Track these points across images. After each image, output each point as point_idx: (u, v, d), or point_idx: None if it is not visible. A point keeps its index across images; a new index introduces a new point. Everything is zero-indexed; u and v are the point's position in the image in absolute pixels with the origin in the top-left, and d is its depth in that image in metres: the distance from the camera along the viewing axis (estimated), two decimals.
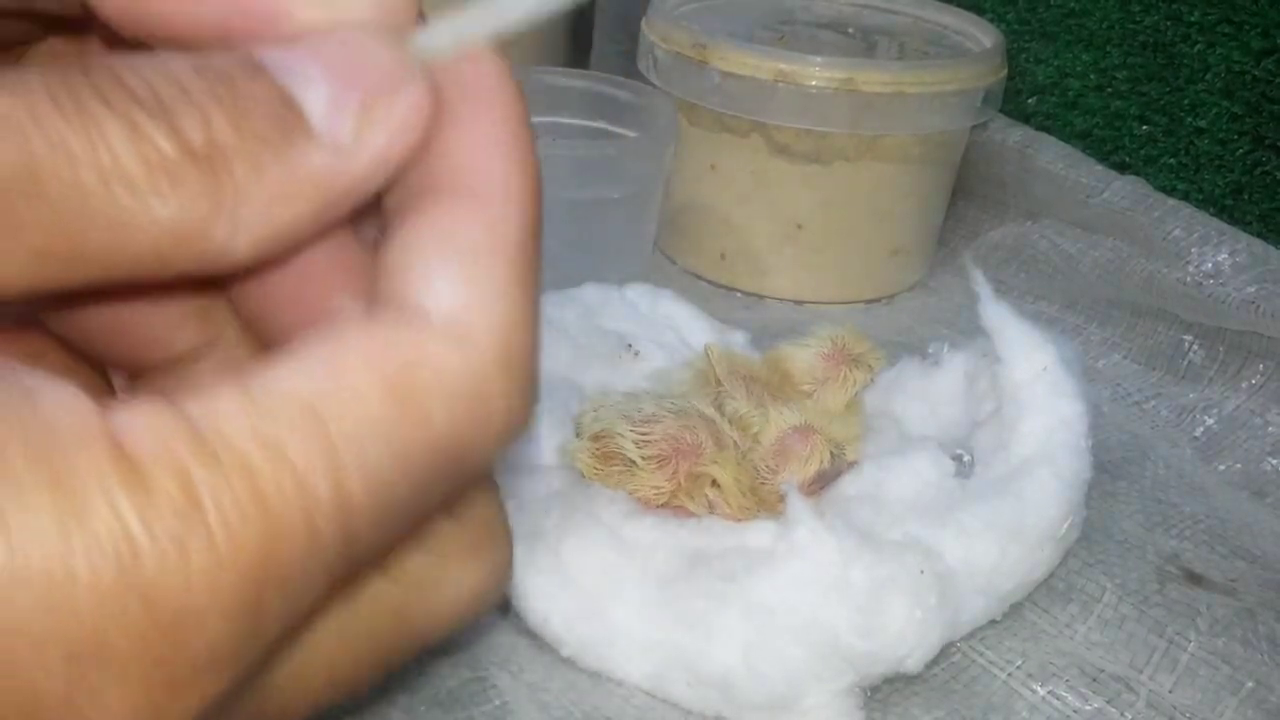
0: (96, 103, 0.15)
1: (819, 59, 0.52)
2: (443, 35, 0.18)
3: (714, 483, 0.37)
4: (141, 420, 0.15)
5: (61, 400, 0.14)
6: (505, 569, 0.20)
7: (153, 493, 0.14)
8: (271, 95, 0.16)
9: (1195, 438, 0.49)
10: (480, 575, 0.19)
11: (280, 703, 0.17)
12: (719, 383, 0.41)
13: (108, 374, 0.23)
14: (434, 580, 0.18)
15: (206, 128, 0.16)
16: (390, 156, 0.17)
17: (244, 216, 0.16)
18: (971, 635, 0.37)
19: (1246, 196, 0.56)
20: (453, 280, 0.17)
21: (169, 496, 0.14)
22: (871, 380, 0.43)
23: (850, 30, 0.62)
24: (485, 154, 0.18)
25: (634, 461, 0.37)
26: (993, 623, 0.38)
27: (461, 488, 0.18)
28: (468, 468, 0.17)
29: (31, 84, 0.15)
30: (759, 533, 0.35)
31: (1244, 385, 0.50)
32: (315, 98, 0.16)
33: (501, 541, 0.19)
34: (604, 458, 0.37)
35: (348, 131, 0.17)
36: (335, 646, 0.18)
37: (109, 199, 0.15)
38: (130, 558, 0.14)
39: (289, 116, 0.16)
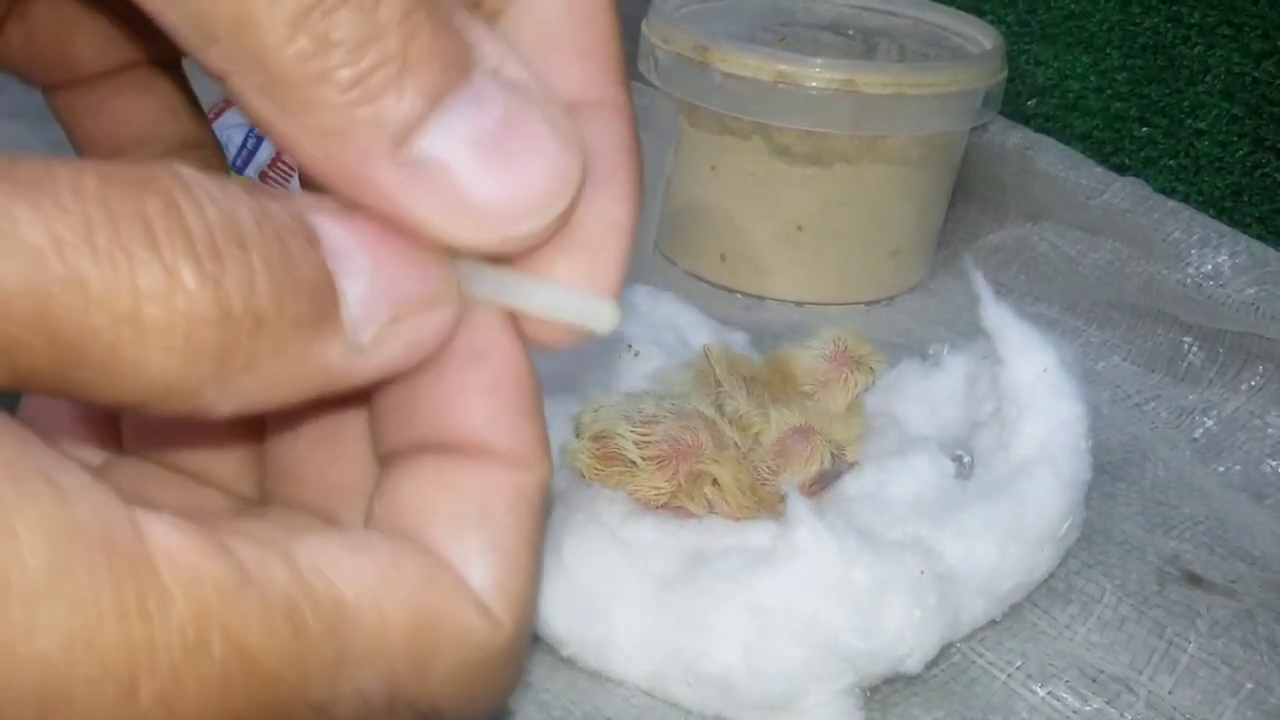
0: (139, 244, 0.14)
1: (819, 60, 0.52)
2: (486, 281, 0.18)
3: (714, 482, 0.37)
4: (177, 542, 0.14)
5: (93, 502, 0.14)
6: None
7: (168, 618, 0.14)
8: (319, 276, 0.16)
9: (1195, 439, 0.49)
10: None
11: None
12: (719, 383, 0.41)
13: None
14: None
15: (250, 294, 0.15)
16: (397, 369, 0.17)
17: (240, 386, 0.15)
18: (971, 636, 0.38)
19: (1246, 198, 0.56)
20: (487, 557, 0.17)
21: (181, 631, 0.14)
22: (873, 382, 0.43)
23: (851, 32, 0.62)
24: (514, 416, 0.18)
25: (634, 462, 0.37)
26: (993, 623, 0.38)
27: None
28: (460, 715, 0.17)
29: (66, 199, 0.14)
30: (759, 533, 0.35)
31: (1243, 387, 0.50)
32: (355, 289, 0.16)
33: None
34: (604, 458, 0.37)
35: (370, 335, 0.16)
36: None
37: (111, 344, 0.14)
38: (129, 680, 0.13)
39: (327, 303, 0.16)
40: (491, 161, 0.16)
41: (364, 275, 0.16)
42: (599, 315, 0.18)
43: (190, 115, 0.29)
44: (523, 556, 0.17)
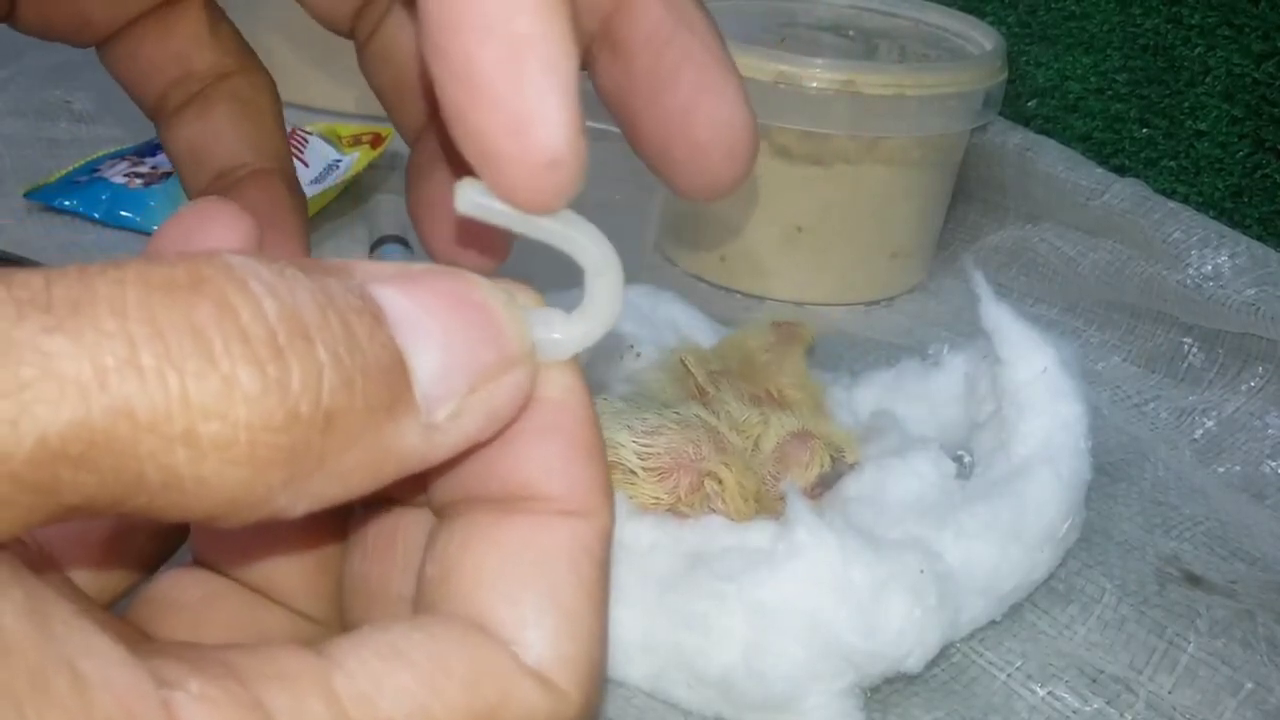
0: (190, 356, 0.13)
1: (820, 61, 0.52)
2: (553, 326, 0.17)
3: (718, 481, 0.37)
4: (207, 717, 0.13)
5: (118, 693, 0.13)
6: None
7: None
8: (389, 356, 0.14)
9: (1195, 440, 0.49)
10: None
11: None
12: (701, 390, 0.41)
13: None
14: None
15: (319, 391, 0.13)
16: (477, 441, 0.16)
17: (313, 485, 0.14)
18: (971, 636, 0.38)
19: (1246, 199, 0.56)
20: (545, 621, 0.16)
21: None
22: (812, 341, 0.46)
23: (851, 33, 0.62)
24: (570, 459, 0.17)
25: (634, 471, 0.37)
26: (993, 623, 0.38)
27: None
28: None
29: (106, 322, 0.13)
30: (759, 533, 0.35)
31: (1243, 388, 0.50)
32: (427, 363, 0.15)
33: None
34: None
35: (448, 411, 0.15)
36: None
37: (168, 467, 0.13)
38: None
39: (399, 385, 0.14)
40: None
41: (436, 347, 0.15)
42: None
43: (223, 43, 0.28)
44: (586, 615, 0.16)
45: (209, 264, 0.14)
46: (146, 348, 0.13)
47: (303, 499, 0.14)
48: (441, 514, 0.17)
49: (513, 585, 0.16)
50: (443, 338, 0.15)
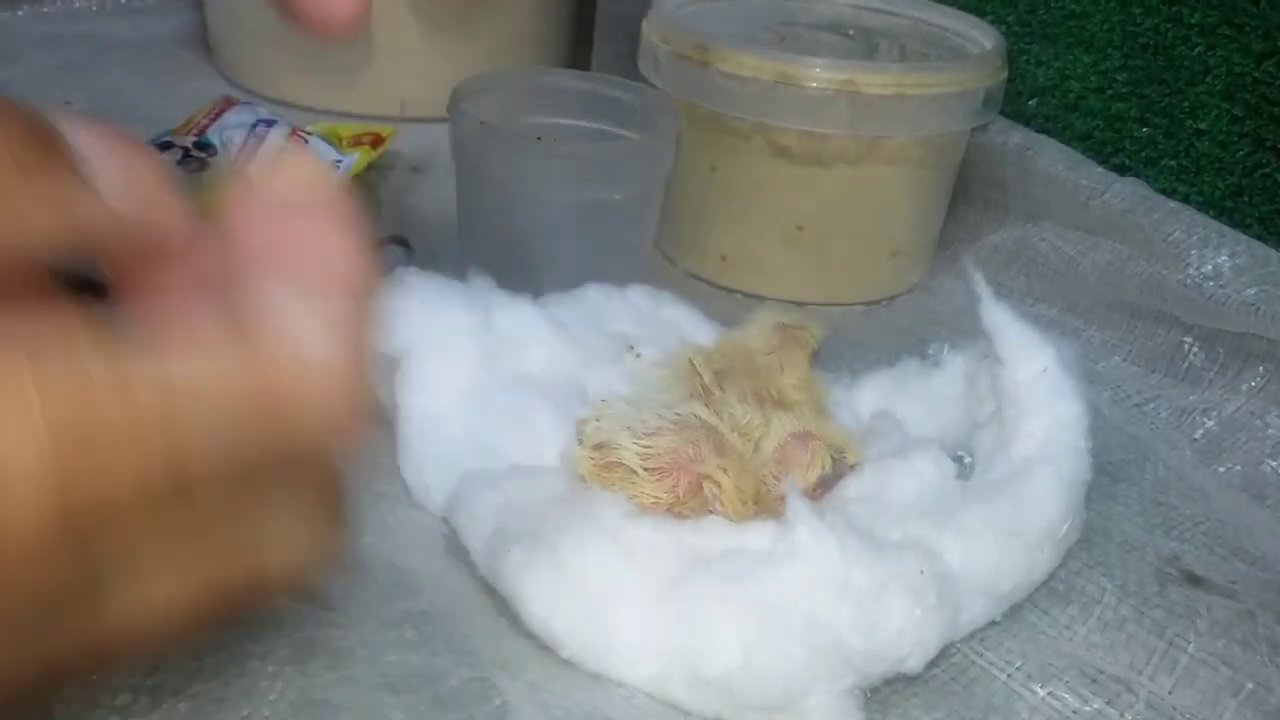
0: None
1: (820, 61, 0.52)
2: None
3: (717, 484, 0.37)
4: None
5: None
6: (334, 534, 0.22)
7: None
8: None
9: (1195, 440, 0.49)
10: (312, 537, 0.22)
11: (117, 627, 0.19)
12: (707, 390, 0.41)
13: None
14: (272, 537, 0.21)
15: None
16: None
17: None
18: (971, 636, 0.38)
19: (1247, 199, 0.56)
20: (314, 329, 0.20)
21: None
22: (818, 344, 0.46)
23: (851, 32, 0.62)
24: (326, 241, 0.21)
25: (635, 471, 0.37)
26: (993, 624, 0.38)
27: (295, 466, 0.21)
28: (297, 451, 0.20)
29: None
30: (759, 534, 0.35)
31: (1244, 387, 0.50)
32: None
33: (332, 510, 0.22)
34: (605, 467, 0.37)
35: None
36: (173, 583, 0.19)
37: None
38: None
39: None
40: None
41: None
42: None
43: None
44: (344, 326, 0.20)
45: None
46: None
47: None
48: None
49: (297, 308, 0.20)
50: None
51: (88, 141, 0.20)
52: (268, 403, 0.19)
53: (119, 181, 0.20)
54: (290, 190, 0.21)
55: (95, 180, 0.20)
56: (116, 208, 0.20)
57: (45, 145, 0.19)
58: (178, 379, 0.18)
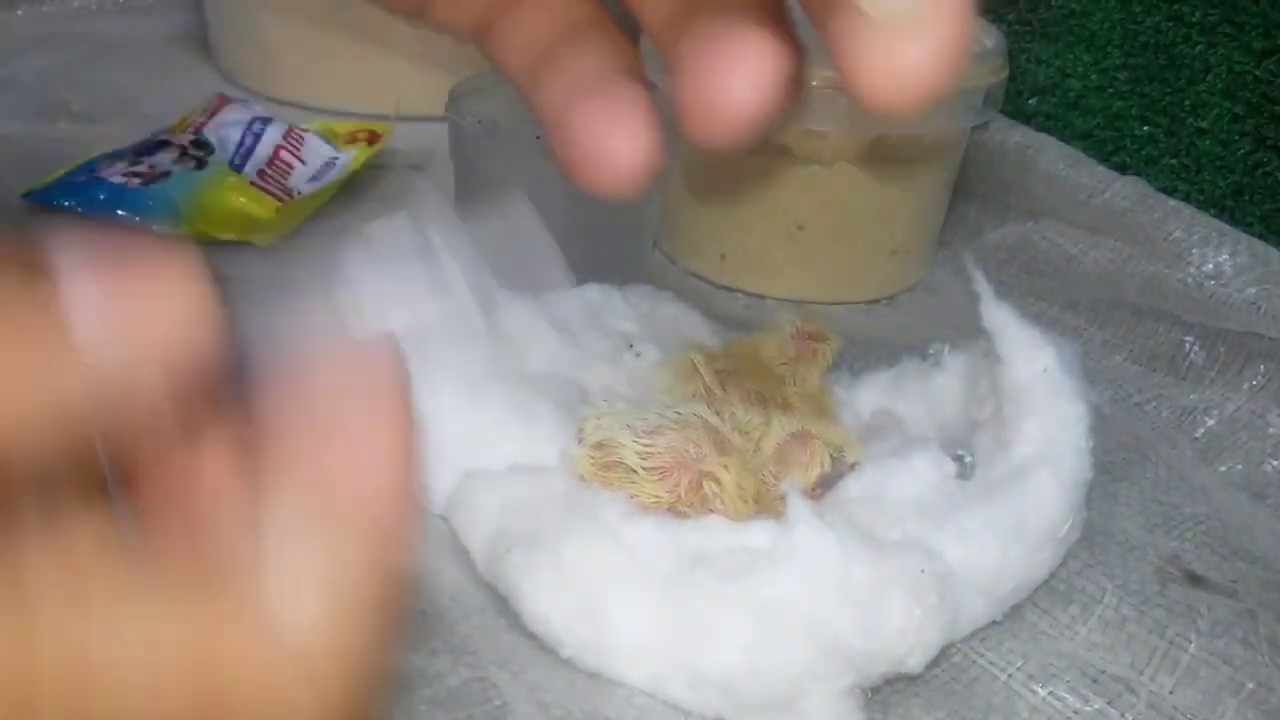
0: None
1: (820, 60, 0.52)
2: None
3: (717, 481, 0.37)
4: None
5: None
6: None
7: None
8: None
9: (1196, 439, 0.49)
10: None
11: None
12: (709, 390, 0.41)
13: None
14: None
15: None
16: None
17: None
18: (972, 636, 0.37)
19: (1247, 197, 0.56)
20: (310, 605, 0.16)
21: None
22: (832, 357, 0.45)
23: None
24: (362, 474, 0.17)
25: (635, 470, 0.37)
26: (993, 624, 0.38)
27: None
28: None
29: None
30: (759, 533, 0.35)
31: (1245, 386, 0.50)
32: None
33: None
34: (606, 466, 0.37)
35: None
36: None
37: None
38: None
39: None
40: None
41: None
42: None
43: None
44: (352, 600, 0.16)
45: None
46: None
47: None
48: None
49: (296, 575, 0.16)
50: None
51: (84, 285, 0.16)
52: (207, 698, 0.15)
53: (112, 338, 0.15)
54: (346, 390, 0.17)
55: (84, 338, 0.15)
56: (104, 374, 0.15)
57: (24, 296, 0.15)
58: (95, 644, 0.14)
